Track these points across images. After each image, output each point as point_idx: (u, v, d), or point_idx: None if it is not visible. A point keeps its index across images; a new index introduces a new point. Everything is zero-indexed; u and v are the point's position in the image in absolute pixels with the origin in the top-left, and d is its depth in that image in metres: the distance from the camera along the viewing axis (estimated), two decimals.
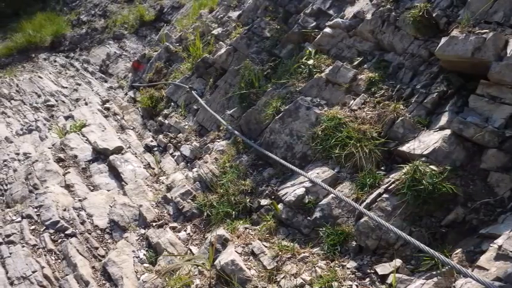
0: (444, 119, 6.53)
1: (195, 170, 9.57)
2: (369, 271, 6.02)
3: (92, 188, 10.25)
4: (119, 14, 21.33)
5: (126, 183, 10.15)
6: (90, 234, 8.68)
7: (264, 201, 7.92)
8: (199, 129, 11.34)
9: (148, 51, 16.36)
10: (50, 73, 18.71)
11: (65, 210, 9.17)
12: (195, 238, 8.19)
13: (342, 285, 5.88)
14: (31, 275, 7.73)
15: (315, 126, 7.93)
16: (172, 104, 12.82)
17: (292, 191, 7.52)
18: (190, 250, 7.83)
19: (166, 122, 12.17)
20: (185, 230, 8.39)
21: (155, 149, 11.66)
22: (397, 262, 5.79)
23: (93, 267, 7.99)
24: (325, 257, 6.48)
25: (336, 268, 6.18)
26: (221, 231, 7.50)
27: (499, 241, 4.97)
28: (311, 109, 8.21)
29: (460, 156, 6.15)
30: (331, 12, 9.87)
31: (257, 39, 11.26)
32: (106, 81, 17.82)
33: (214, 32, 13.26)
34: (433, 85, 7.10)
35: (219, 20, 13.89)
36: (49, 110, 15.59)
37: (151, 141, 11.90)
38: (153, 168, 10.92)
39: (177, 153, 10.92)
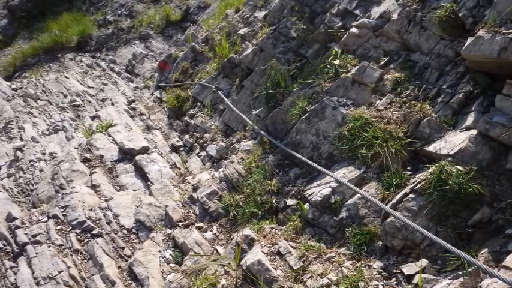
0: (470, 119, 6.53)
1: (221, 170, 9.60)
2: (395, 271, 6.03)
3: (118, 188, 10.30)
4: (145, 14, 21.43)
5: (152, 183, 10.20)
6: (116, 234, 8.74)
7: (290, 201, 7.94)
8: (226, 129, 11.38)
9: (175, 51, 16.38)
10: (76, 73, 18.84)
11: (91, 210, 9.24)
12: (221, 238, 8.22)
13: (368, 285, 5.90)
14: (57, 275, 7.78)
15: (341, 126, 7.94)
16: (198, 104, 12.84)
17: (318, 191, 7.53)
18: (217, 250, 7.86)
19: (193, 122, 12.20)
20: (211, 230, 8.42)
21: (181, 149, 11.68)
22: (423, 262, 5.80)
23: (119, 267, 8.05)
24: (351, 257, 6.50)
25: (362, 268, 6.19)
26: (247, 231, 7.53)
27: None
28: (337, 109, 8.22)
29: (486, 156, 6.14)
30: (357, 12, 9.86)
31: (283, 39, 11.26)
32: (132, 81, 17.91)
33: (241, 32, 13.26)
34: (459, 85, 7.09)
35: (245, 20, 13.89)
36: (75, 110, 15.71)
37: (178, 141, 11.92)
38: (179, 168, 10.95)
39: (203, 153, 10.96)
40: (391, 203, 6.51)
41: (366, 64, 8.45)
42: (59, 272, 7.82)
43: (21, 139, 13.50)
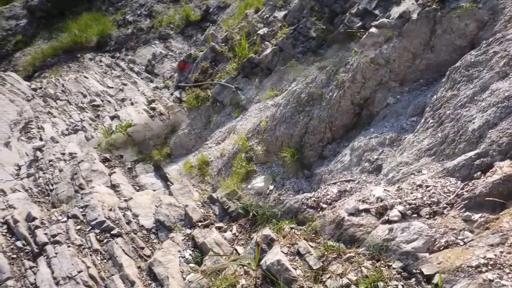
0: None
1: None
2: (414, 271, 6.01)
3: (137, 188, 10.33)
4: (165, 14, 21.42)
5: (172, 183, 10.21)
6: (135, 234, 8.76)
7: None
8: None
9: (194, 51, 16.36)
10: (96, 73, 18.90)
11: (110, 210, 9.28)
12: (241, 238, 8.22)
13: (388, 285, 5.88)
14: (77, 275, 7.81)
15: None
16: (218, 103, 12.85)
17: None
18: (236, 250, 7.87)
19: None
20: (231, 230, 8.43)
21: None
22: None
23: (138, 267, 8.06)
24: (371, 257, 6.48)
25: (382, 268, 6.17)
26: (267, 231, 7.52)
27: None
28: None
29: None
30: (377, 12, 9.85)
31: (303, 39, 11.25)
32: (152, 81, 17.93)
33: (260, 32, 13.25)
34: None
35: (265, 20, 13.88)
36: (95, 110, 15.76)
37: None
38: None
39: None
40: None
41: None
42: (79, 272, 7.85)
43: (41, 139, 13.55)
